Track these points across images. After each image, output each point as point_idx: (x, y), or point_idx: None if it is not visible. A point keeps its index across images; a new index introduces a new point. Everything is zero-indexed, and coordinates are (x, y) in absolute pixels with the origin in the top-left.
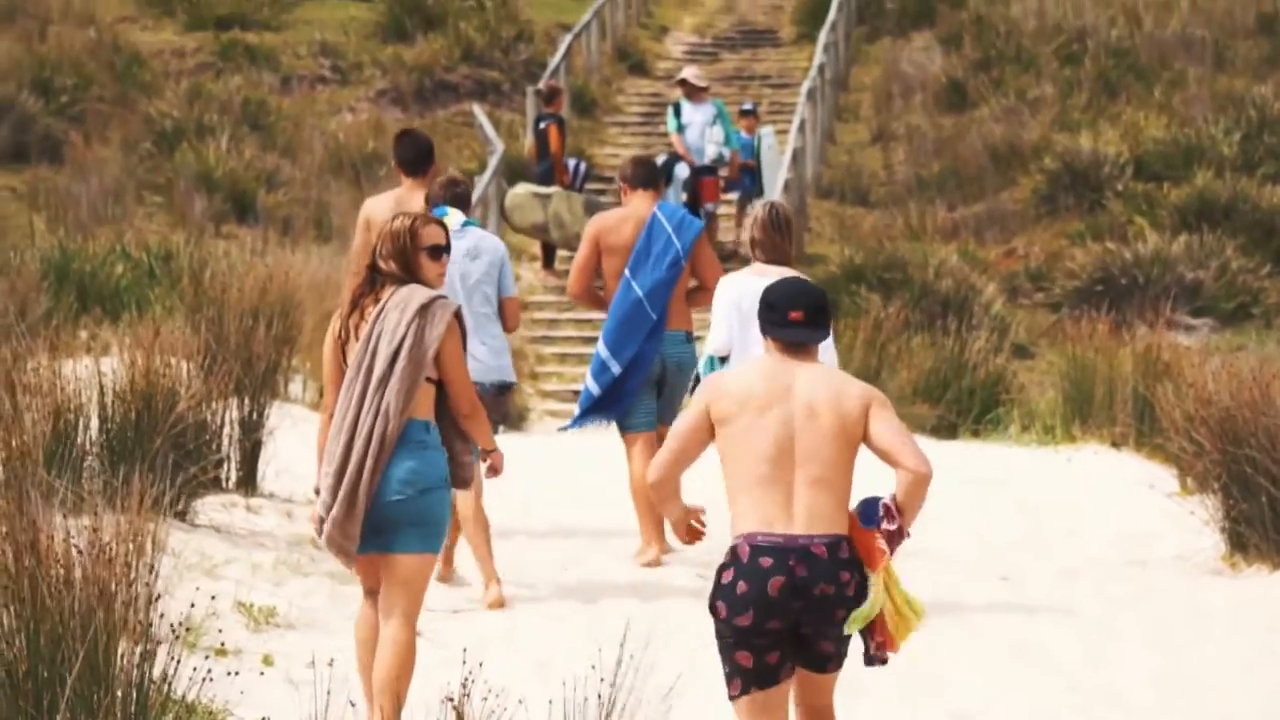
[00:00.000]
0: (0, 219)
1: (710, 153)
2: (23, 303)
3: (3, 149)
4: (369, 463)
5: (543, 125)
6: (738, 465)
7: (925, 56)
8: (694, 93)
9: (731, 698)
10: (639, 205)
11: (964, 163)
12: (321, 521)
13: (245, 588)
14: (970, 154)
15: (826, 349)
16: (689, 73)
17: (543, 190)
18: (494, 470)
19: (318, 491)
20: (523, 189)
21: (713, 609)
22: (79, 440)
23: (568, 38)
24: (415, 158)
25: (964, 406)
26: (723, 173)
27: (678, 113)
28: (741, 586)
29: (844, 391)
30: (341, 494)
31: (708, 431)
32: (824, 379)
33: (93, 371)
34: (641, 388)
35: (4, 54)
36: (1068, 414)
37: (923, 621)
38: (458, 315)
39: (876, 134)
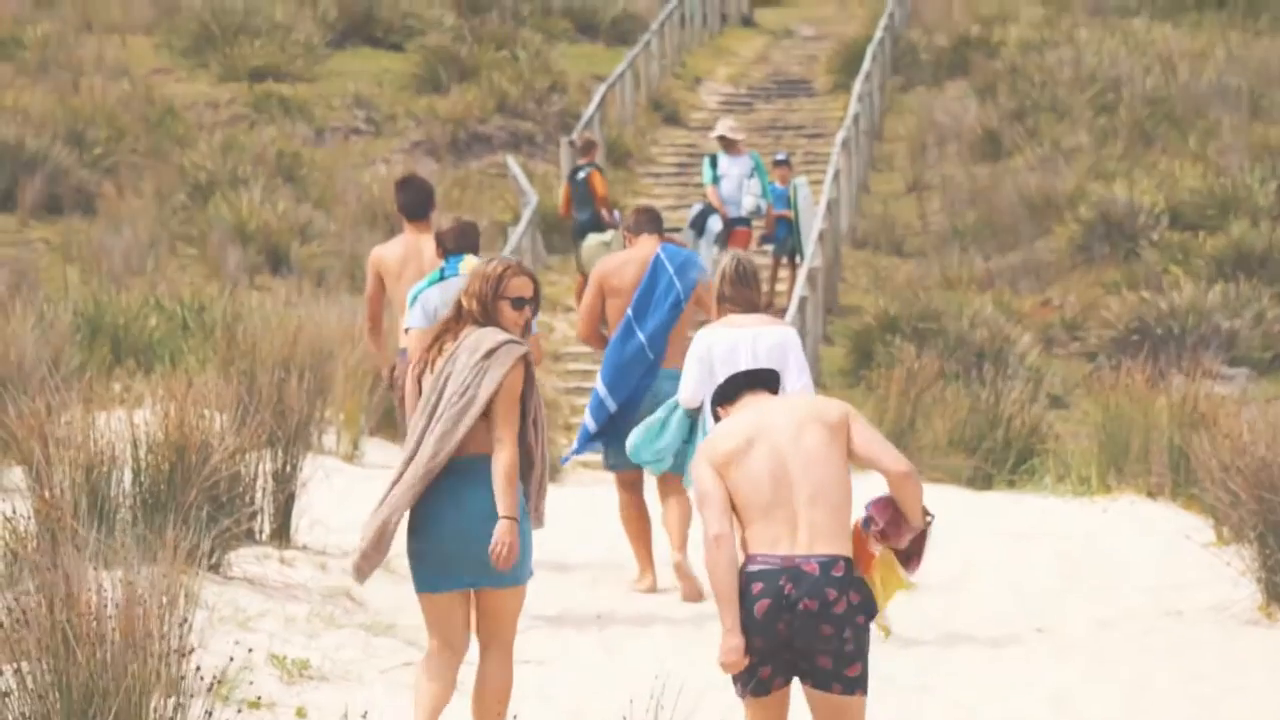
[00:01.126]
0: (34, 271)
1: (748, 205)
2: (56, 355)
3: (36, 201)
4: (413, 492)
5: (583, 174)
6: (743, 501)
7: (960, 106)
8: (730, 145)
9: (738, 695)
10: (643, 248)
11: (999, 212)
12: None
13: (279, 640)
14: (1005, 204)
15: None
16: (724, 127)
17: (604, 238)
18: (496, 553)
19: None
20: (593, 239)
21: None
22: (112, 493)
23: (601, 89)
24: (415, 202)
25: (999, 457)
26: (758, 224)
27: (714, 165)
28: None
29: (820, 409)
30: (377, 518)
31: (723, 482)
32: (798, 403)
33: (126, 424)
34: (635, 423)
35: (38, 106)
36: (1103, 464)
37: (908, 588)
38: (526, 358)
39: (911, 184)
